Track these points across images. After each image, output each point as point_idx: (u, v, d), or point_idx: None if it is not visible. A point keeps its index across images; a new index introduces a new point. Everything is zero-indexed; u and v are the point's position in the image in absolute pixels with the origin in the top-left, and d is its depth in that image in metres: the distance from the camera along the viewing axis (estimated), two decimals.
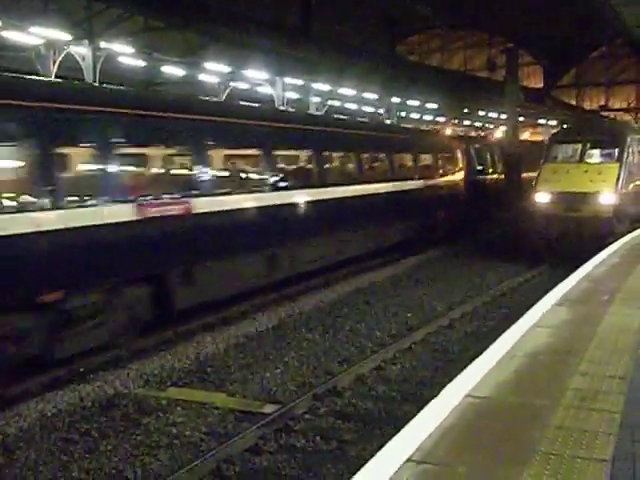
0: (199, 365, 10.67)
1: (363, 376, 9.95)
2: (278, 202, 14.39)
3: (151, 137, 11.76)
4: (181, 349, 11.39)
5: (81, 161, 10.65)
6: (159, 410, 8.84)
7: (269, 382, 9.85)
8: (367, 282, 17.13)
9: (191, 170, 12.30)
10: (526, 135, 52.80)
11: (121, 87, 16.18)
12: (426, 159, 22.77)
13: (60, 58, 23.29)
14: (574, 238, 18.57)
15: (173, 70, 29.44)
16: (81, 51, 23.69)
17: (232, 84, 31.85)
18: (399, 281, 17.46)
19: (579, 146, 20.08)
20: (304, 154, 17.00)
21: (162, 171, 12.82)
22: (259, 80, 31.46)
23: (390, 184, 19.35)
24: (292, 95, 34.92)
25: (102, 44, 24.01)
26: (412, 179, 20.93)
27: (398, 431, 4.95)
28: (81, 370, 10.15)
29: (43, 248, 9.09)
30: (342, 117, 30.32)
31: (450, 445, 4.68)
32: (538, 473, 4.27)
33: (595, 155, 20.41)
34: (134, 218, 10.55)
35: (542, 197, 19.50)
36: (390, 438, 4.83)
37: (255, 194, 13.93)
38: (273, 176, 14.45)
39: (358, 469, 4.34)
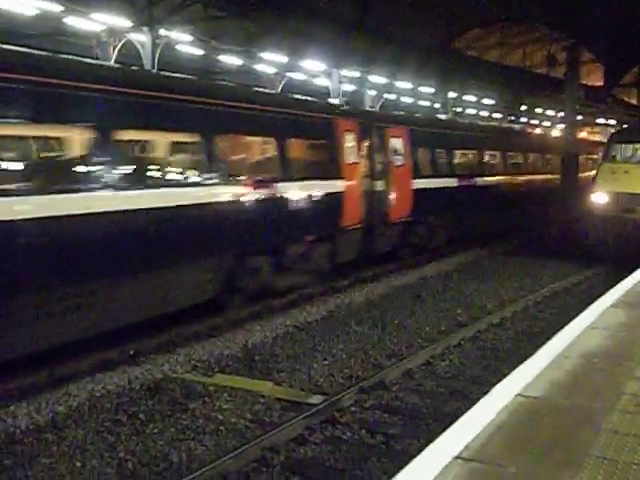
0: (247, 353, 10.69)
1: (411, 371, 9.86)
2: None
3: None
4: (230, 336, 11.45)
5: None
6: (206, 396, 8.88)
7: (316, 373, 9.83)
8: (417, 277, 17.03)
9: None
10: (583, 135, 51.95)
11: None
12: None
13: (120, 45, 23.55)
14: (631, 240, 18.19)
15: (230, 59, 29.54)
16: (140, 38, 23.93)
17: (288, 75, 31.86)
18: (449, 277, 17.31)
19: (639, 146, 19.67)
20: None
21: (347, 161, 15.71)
22: (315, 72, 31.42)
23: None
24: (348, 87, 34.81)
25: (161, 32, 24.20)
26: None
27: (445, 427, 4.87)
28: (131, 353, 10.26)
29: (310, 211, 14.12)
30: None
31: (500, 444, 4.59)
32: (590, 477, 4.16)
33: None
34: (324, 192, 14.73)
35: (599, 198, 19.14)
36: (437, 434, 4.76)
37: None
38: None
39: (403, 464, 4.28)
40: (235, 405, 8.61)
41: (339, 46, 29.96)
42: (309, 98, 17.88)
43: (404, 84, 36.00)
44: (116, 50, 23.38)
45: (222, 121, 12.21)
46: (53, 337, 9.01)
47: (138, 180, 10.67)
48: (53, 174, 9.82)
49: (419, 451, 4.47)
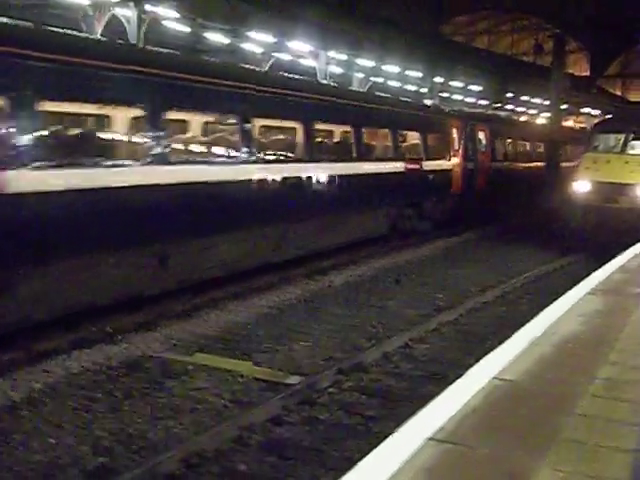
0: (227, 333, 10.71)
1: (390, 353, 9.91)
2: None
3: None
4: (210, 316, 11.46)
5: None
6: (184, 374, 8.88)
7: (295, 354, 9.87)
8: (399, 261, 17.09)
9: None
10: (569, 123, 52.08)
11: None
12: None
13: (105, 19, 23.29)
14: (611, 229, 18.33)
15: (217, 37, 29.29)
16: (126, 13, 23.68)
17: (275, 55, 31.66)
18: (431, 262, 17.40)
19: (622, 137, 19.77)
20: None
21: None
22: (302, 53, 31.25)
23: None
24: (336, 69, 34.64)
25: (147, 7, 23.94)
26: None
27: (421, 409, 4.91)
28: (109, 330, 10.23)
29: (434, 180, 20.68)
30: None
31: (473, 426, 4.64)
32: (561, 460, 4.21)
33: (637, 146, 20.08)
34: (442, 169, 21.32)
35: (581, 186, 19.26)
36: (413, 416, 4.79)
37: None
38: None
39: (379, 445, 4.32)
40: (213, 384, 8.63)
41: (327, 28, 29.80)
42: (433, 104, 27.42)
43: (392, 68, 35.87)
44: (102, 24, 23.11)
45: (413, 124, 20.25)
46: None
47: (375, 156, 18.41)
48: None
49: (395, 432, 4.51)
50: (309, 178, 14.56)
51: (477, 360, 6.21)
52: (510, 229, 23.67)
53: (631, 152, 19.61)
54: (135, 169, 10.29)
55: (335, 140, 18.57)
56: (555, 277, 16.12)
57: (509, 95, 49.27)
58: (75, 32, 13.12)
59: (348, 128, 17.20)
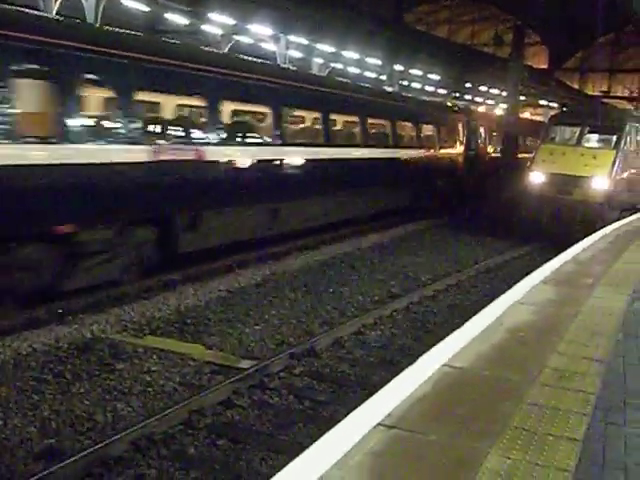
0: (179, 316, 10.62)
1: (342, 339, 9.93)
2: None
3: None
4: (162, 299, 11.35)
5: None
6: (135, 357, 8.79)
7: (248, 338, 9.83)
8: (353, 248, 17.12)
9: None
10: (526, 115, 52.60)
11: None
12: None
13: None
14: (565, 220, 18.56)
15: (177, 18, 28.95)
16: None
17: (235, 38, 31.41)
18: (386, 249, 17.45)
19: (577, 129, 20.02)
20: None
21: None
22: (262, 36, 31.05)
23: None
24: (295, 54, 34.51)
25: None
26: None
27: (371, 395, 4.92)
28: (60, 311, 10.09)
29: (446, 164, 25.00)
30: None
31: (422, 413, 4.65)
32: (508, 447, 4.24)
33: (593, 140, 20.38)
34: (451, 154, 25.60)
35: (536, 177, 19.46)
36: (363, 402, 4.79)
37: None
38: None
39: (328, 430, 4.31)
40: (164, 367, 8.56)
41: (288, 12, 29.63)
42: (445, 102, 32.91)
43: (352, 54, 35.83)
44: (58, 2, 22.69)
45: (439, 120, 24.37)
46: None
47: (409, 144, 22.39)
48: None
49: (345, 418, 4.50)
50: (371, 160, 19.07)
51: (428, 347, 6.24)
52: (467, 218, 23.84)
53: (586, 145, 19.88)
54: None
55: (384, 131, 21.41)
56: (509, 267, 16.28)
57: (468, 85, 49.59)
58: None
59: (387, 122, 21.06)
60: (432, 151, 23.45)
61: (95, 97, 11.75)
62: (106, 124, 11.26)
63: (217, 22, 28.98)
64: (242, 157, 13.42)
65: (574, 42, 63.93)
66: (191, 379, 8.28)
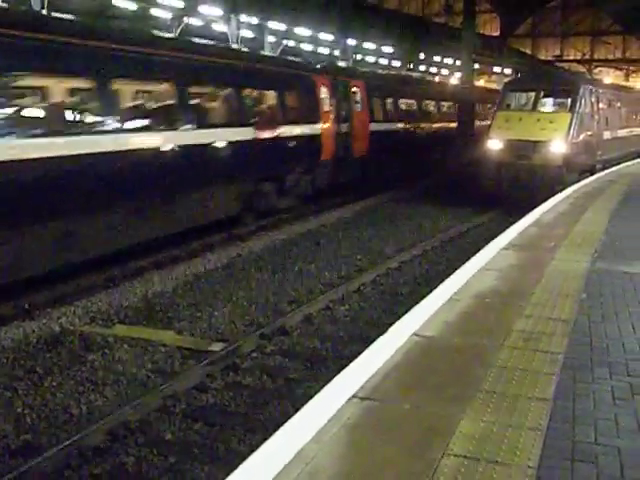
0: (147, 303, 10.58)
1: (311, 316, 9.97)
2: None
3: None
4: (128, 287, 11.30)
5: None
6: (105, 347, 8.75)
7: (217, 321, 9.83)
8: (317, 225, 17.14)
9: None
10: (481, 83, 52.83)
11: None
12: None
13: None
14: (524, 186, 18.73)
15: (125, 3, 28.59)
16: None
17: (186, 20, 31.12)
18: (349, 224, 17.49)
19: (532, 95, 20.18)
20: None
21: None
22: (213, 17, 30.79)
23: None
24: (247, 34, 34.28)
25: None
26: None
27: (344, 369, 4.97)
28: (26, 307, 9.99)
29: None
30: None
31: (395, 383, 4.71)
32: (481, 410, 4.32)
33: (548, 104, 20.55)
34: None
35: (494, 144, 19.60)
36: (336, 376, 4.84)
37: None
38: None
39: (304, 406, 4.35)
40: (135, 355, 8.54)
41: None
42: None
43: (304, 31, 35.69)
44: None
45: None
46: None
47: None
48: None
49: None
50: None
51: (397, 318, 6.30)
52: (428, 189, 23.95)
53: (542, 109, 20.05)
54: None
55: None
56: (472, 235, 16.42)
57: (421, 56, 49.66)
58: None
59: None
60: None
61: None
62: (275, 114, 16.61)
63: (166, 5, 28.69)
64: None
65: (524, 8, 64.04)
66: (163, 365, 8.28)
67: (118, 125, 11.24)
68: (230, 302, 10.68)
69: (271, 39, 36.22)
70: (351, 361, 5.16)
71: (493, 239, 10.12)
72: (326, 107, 19.28)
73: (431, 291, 7.12)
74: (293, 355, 8.59)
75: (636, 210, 13.38)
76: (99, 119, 11.18)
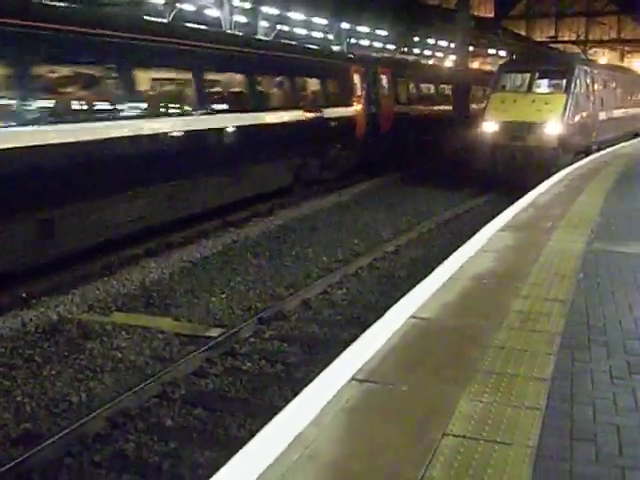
0: (144, 290, 10.58)
1: (309, 300, 9.98)
2: None
3: None
4: (126, 274, 11.27)
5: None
6: (103, 335, 8.75)
7: (215, 306, 9.84)
8: (313, 209, 17.13)
9: None
10: (476, 65, 52.68)
11: None
12: None
13: None
14: (520, 167, 18.72)
15: None
16: None
17: (178, 5, 30.90)
18: (345, 208, 17.50)
19: (527, 76, 20.13)
20: None
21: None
22: (206, 2, 30.59)
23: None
24: (240, 19, 34.08)
25: None
26: None
27: (343, 352, 4.97)
28: (23, 296, 9.98)
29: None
30: None
31: (393, 364, 4.72)
32: (479, 391, 4.33)
33: (543, 85, 20.50)
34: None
35: (489, 126, 19.56)
36: (335, 359, 4.85)
37: None
38: None
39: (303, 390, 4.36)
40: (134, 342, 8.55)
41: None
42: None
43: (297, 15, 35.51)
44: None
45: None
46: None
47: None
48: None
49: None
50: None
51: (395, 301, 6.31)
52: (423, 172, 23.91)
53: (537, 91, 20.01)
54: None
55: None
56: (468, 217, 16.44)
57: (416, 39, 49.47)
58: None
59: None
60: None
61: None
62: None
63: None
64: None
65: None
66: (162, 352, 8.29)
67: (218, 107, 14.88)
68: (227, 288, 10.68)
69: (264, 24, 36.02)
70: (349, 344, 5.16)
71: (489, 221, 10.12)
72: (359, 91, 22.11)
73: (428, 274, 7.12)
74: (291, 339, 8.61)
75: (631, 191, 13.39)
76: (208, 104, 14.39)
